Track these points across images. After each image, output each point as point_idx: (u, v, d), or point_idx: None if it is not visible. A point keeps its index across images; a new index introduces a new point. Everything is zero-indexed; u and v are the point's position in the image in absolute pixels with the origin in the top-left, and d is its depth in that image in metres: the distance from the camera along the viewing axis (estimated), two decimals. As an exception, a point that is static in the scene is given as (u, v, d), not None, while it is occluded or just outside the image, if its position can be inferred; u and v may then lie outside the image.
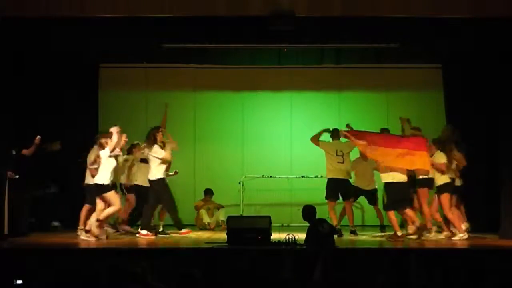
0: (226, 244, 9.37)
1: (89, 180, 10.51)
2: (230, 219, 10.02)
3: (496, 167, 10.92)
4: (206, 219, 12.26)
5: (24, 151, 10.44)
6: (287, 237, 9.27)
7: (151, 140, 10.56)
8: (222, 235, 10.13)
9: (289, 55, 12.51)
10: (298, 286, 6.96)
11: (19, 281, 6.83)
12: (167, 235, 10.74)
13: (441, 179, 10.37)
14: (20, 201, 10.65)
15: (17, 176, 10.30)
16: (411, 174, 10.41)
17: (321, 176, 11.87)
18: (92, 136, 12.57)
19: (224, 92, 13.42)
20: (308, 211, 9.19)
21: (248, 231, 9.41)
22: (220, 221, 12.25)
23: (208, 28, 10.51)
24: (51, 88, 11.81)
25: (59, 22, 9.97)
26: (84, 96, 12.56)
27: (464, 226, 10.54)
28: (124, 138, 10.30)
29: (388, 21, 10.00)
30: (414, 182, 10.50)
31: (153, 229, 10.84)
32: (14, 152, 10.33)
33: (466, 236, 10.28)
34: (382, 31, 10.55)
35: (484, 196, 11.75)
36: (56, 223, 11.68)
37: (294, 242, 9.12)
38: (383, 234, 11.12)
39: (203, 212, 12.38)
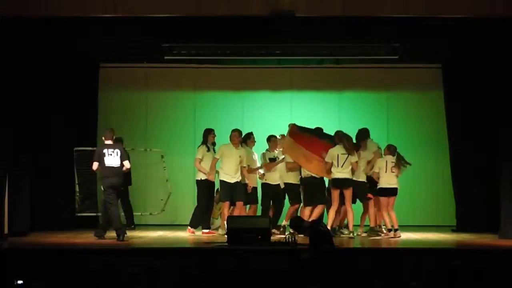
0: (226, 244, 9.38)
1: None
2: (230, 219, 10.04)
3: (496, 167, 10.92)
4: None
5: None
6: (287, 237, 9.29)
7: None
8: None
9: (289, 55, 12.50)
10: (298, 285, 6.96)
11: (19, 281, 6.82)
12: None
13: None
14: (20, 201, 10.69)
15: None
16: None
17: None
18: (92, 136, 12.65)
19: (224, 92, 13.42)
20: (298, 221, 9.32)
21: (248, 231, 9.42)
22: None
23: (208, 28, 10.50)
24: (51, 88, 11.80)
25: (59, 22, 9.96)
26: (84, 96, 12.55)
27: None
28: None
29: (388, 21, 10.01)
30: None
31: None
32: None
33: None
34: (382, 31, 10.55)
35: (484, 196, 11.75)
36: None
37: (294, 242, 9.14)
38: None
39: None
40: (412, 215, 11.76)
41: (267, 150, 11.43)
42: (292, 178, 11.05)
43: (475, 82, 11.91)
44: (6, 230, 10.06)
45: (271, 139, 11.43)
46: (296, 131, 10.99)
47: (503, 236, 10.33)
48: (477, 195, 11.86)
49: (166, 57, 11.43)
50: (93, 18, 9.84)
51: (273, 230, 11.06)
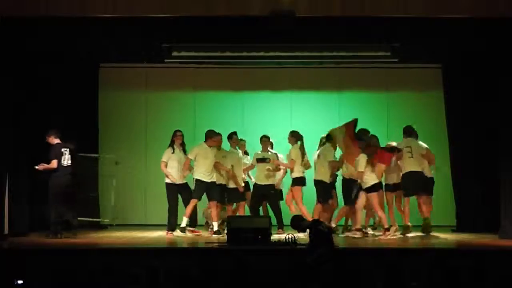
0: (226, 244, 9.38)
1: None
2: (230, 219, 10.05)
3: (496, 167, 10.91)
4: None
5: None
6: (287, 237, 9.28)
7: None
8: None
9: (289, 55, 12.50)
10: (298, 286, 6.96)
11: (19, 281, 6.82)
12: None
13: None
14: (20, 201, 10.68)
15: None
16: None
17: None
18: (92, 136, 12.65)
19: (224, 92, 13.42)
20: (298, 220, 9.31)
21: (248, 231, 9.43)
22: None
23: (208, 28, 10.51)
24: (51, 88, 11.79)
25: (59, 22, 9.97)
26: (84, 96, 12.55)
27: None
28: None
29: (388, 21, 10.01)
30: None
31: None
32: None
33: None
34: (382, 31, 10.55)
35: (484, 196, 11.74)
36: None
37: (294, 242, 9.13)
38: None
39: None
40: (412, 215, 11.68)
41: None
42: (323, 176, 11.10)
43: (475, 82, 11.91)
44: (6, 230, 10.07)
45: (262, 139, 11.48)
46: (352, 126, 11.10)
47: (503, 236, 10.32)
48: (477, 195, 11.85)
49: (166, 60, 11.45)
50: (93, 18, 9.84)
51: (279, 231, 11.06)
